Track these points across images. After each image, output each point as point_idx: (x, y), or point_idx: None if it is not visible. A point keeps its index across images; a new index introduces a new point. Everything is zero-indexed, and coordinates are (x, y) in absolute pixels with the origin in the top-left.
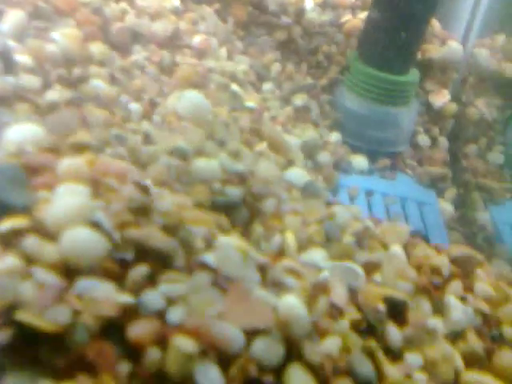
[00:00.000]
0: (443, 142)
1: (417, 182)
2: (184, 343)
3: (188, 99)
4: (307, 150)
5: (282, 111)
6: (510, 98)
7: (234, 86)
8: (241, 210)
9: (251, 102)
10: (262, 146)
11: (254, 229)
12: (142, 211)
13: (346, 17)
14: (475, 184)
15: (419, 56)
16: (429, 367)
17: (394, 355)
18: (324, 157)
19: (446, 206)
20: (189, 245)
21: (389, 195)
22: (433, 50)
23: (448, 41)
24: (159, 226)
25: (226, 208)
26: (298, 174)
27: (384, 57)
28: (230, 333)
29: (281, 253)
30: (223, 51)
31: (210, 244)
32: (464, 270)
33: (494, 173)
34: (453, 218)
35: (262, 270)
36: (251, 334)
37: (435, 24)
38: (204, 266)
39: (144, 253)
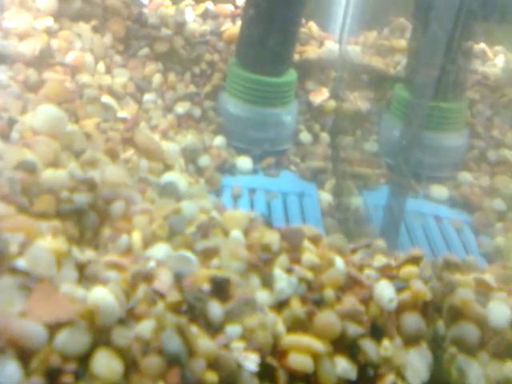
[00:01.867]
0: (324, 137)
1: (299, 176)
2: None
3: (43, 113)
4: (187, 154)
5: (163, 120)
6: (382, 90)
7: (107, 99)
8: (89, 215)
9: (125, 113)
10: (129, 153)
11: (102, 232)
12: None
13: (227, 25)
14: (351, 173)
15: (297, 57)
16: (247, 335)
17: (216, 329)
18: (205, 160)
19: (326, 196)
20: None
21: (270, 191)
22: (310, 51)
23: (325, 41)
24: None
25: (73, 215)
26: (173, 178)
27: (259, 60)
28: (31, 328)
29: (127, 252)
30: (101, 66)
31: (25, 249)
32: (292, 244)
33: (369, 161)
34: (331, 206)
35: (82, 267)
36: (55, 328)
37: (312, 26)
38: (14, 270)
39: None
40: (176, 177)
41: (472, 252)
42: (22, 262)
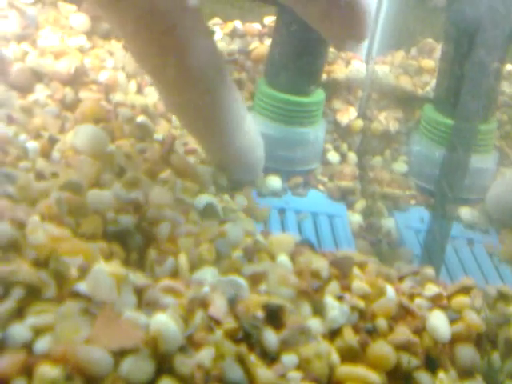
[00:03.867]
0: (352, 157)
1: (328, 196)
2: (48, 370)
3: (84, 133)
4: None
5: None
6: (410, 110)
7: (142, 118)
8: (134, 236)
9: (160, 134)
10: (166, 173)
11: (148, 254)
12: (12, 247)
13: (254, 44)
14: (381, 194)
15: (325, 77)
16: (303, 365)
17: (272, 358)
18: None
19: (355, 217)
20: (62, 275)
21: (301, 212)
22: (337, 71)
23: (352, 61)
24: (30, 260)
25: (119, 236)
26: (209, 199)
27: (288, 80)
28: (97, 355)
29: (174, 274)
30: (132, 85)
31: (85, 273)
32: (342, 270)
33: (398, 182)
34: (361, 228)
35: (140, 292)
36: (120, 355)
37: None
38: (76, 295)
39: (11, 287)
40: (211, 198)
41: (507, 277)
42: (83, 287)
